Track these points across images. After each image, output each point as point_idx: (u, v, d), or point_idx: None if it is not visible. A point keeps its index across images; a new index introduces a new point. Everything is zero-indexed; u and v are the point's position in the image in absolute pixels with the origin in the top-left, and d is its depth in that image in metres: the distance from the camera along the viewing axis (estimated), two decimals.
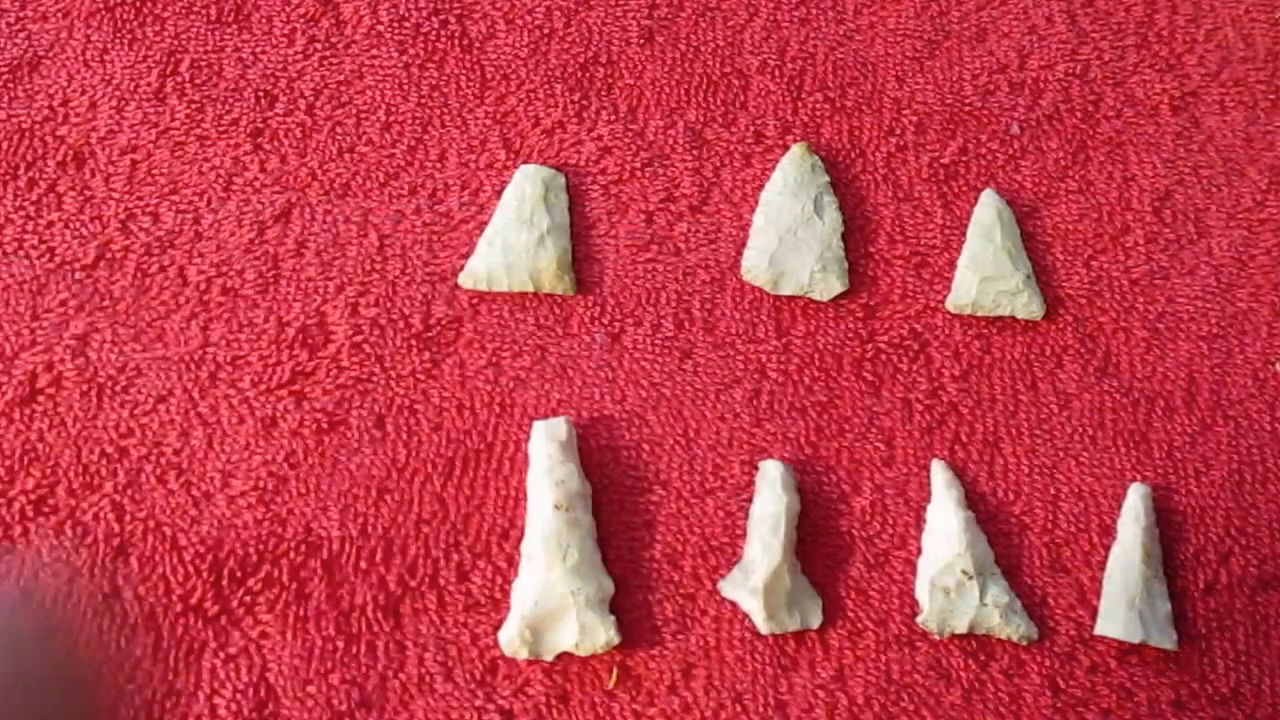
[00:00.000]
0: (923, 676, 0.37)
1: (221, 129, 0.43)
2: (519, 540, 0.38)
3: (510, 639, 0.36)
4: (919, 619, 0.37)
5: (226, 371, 0.40)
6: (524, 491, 0.38)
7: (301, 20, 0.45)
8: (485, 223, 0.42)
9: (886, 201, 0.43)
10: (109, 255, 0.41)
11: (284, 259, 0.41)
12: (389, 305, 0.41)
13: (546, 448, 0.38)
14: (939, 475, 0.39)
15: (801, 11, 0.46)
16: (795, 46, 0.46)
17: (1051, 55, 0.46)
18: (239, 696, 0.36)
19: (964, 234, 0.42)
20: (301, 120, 0.44)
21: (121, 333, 0.40)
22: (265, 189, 0.42)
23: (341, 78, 0.44)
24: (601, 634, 0.36)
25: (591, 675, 0.37)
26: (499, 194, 0.42)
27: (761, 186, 0.43)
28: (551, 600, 0.36)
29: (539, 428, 0.38)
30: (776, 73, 0.45)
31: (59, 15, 0.45)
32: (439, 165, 0.43)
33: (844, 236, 0.42)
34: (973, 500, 0.39)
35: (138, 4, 0.45)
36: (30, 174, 0.42)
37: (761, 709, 0.36)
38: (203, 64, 0.44)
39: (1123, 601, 0.37)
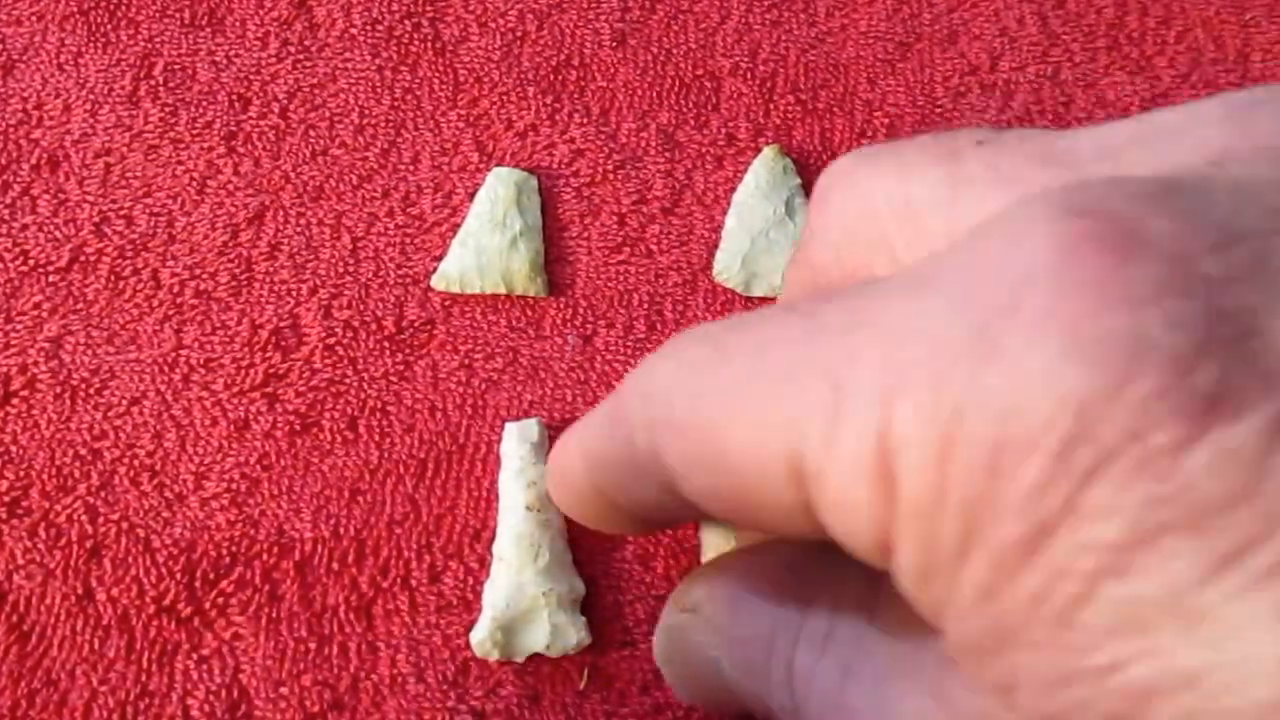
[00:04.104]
0: None
1: (195, 132, 0.44)
2: (490, 542, 0.38)
3: (481, 640, 0.36)
4: None
5: (200, 374, 0.40)
6: (496, 493, 0.38)
7: (275, 24, 0.46)
8: (458, 225, 0.42)
9: None
10: (83, 258, 0.41)
11: (257, 261, 0.41)
12: (362, 307, 0.41)
13: (519, 449, 0.38)
14: None
15: (774, 14, 0.46)
16: (767, 49, 0.46)
17: (1023, 57, 0.46)
18: (212, 698, 0.36)
19: None
20: (275, 123, 0.44)
21: (95, 335, 0.40)
22: (239, 192, 0.43)
23: (315, 81, 0.45)
24: (573, 635, 0.36)
25: (563, 676, 0.37)
26: (471, 196, 0.42)
27: (733, 189, 0.43)
28: (523, 601, 0.36)
29: (511, 429, 0.38)
30: (748, 75, 0.45)
31: (33, 19, 0.45)
32: (412, 168, 0.43)
33: None
34: None
35: (111, 8, 0.46)
36: (4, 177, 0.42)
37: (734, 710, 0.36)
38: (176, 67, 0.45)
39: None
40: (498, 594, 0.37)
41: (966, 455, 0.17)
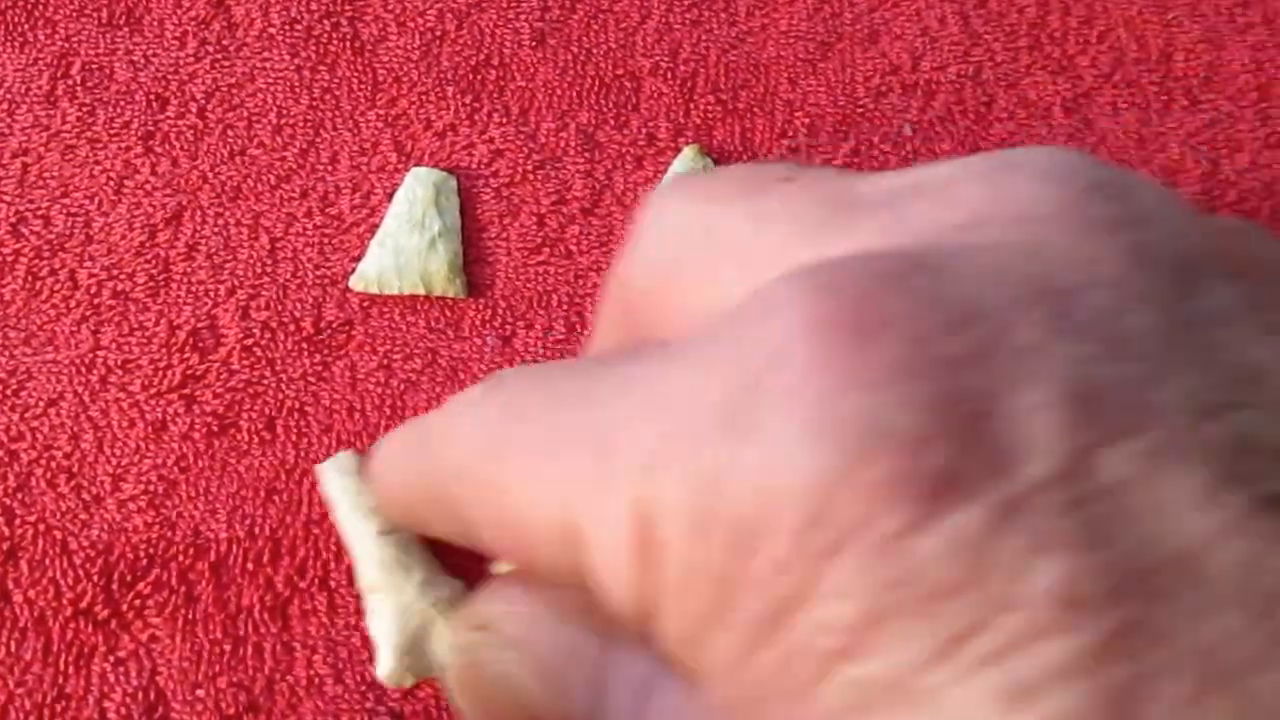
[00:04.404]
0: None
1: (113, 132, 0.43)
2: None
3: (392, 672, 0.36)
4: None
5: (117, 375, 0.40)
6: None
7: (193, 23, 0.45)
8: (377, 225, 0.42)
9: None
10: (0, 259, 0.41)
11: (175, 262, 0.41)
12: (280, 308, 0.41)
13: (345, 484, 0.37)
14: None
15: (694, 14, 0.47)
16: (687, 49, 0.46)
17: (944, 57, 0.46)
18: (129, 700, 0.36)
19: None
20: (193, 123, 0.44)
21: (12, 336, 0.40)
22: (156, 192, 0.42)
23: (233, 80, 0.45)
24: None
25: None
26: (390, 197, 0.42)
27: (654, 188, 0.43)
28: (414, 619, 0.36)
29: (326, 469, 0.38)
30: (669, 75, 0.45)
31: None
32: (330, 168, 0.43)
33: None
34: None
35: (29, 7, 0.45)
36: None
37: None
38: (94, 67, 0.45)
39: None
40: (386, 625, 0.36)
41: (717, 531, 0.17)
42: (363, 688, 0.36)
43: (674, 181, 0.25)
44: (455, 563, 0.38)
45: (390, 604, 0.37)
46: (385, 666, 0.36)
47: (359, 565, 0.37)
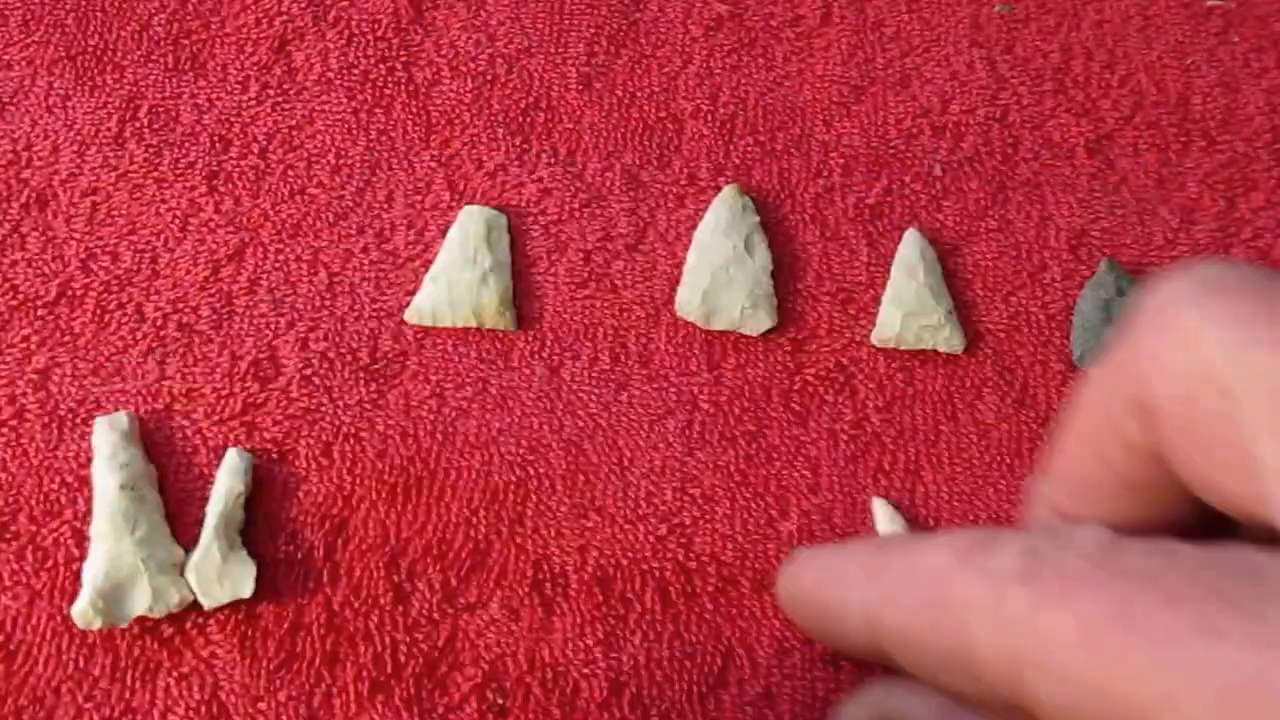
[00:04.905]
0: (847, 694, 0.38)
1: (178, 172, 0.45)
2: (471, 562, 0.39)
3: (83, 610, 0.37)
4: None
5: (181, 403, 0.41)
6: (464, 512, 0.40)
7: (255, 68, 0.47)
8: (430, 261, 0.44)
9: (814, 240, 0.45)
10: (70, 293, 0.43)
11: (237, 296, 0.43)
12: (337, 340, 0.42)
13: (109, 437, 0.40)
14: (880, 513, 0.41)
15: (733, 59, 0.48)
16: (727, 92, 0.48)
17: (972, 100, 0.48)
18: (192, 714, 0.37)
19: (888, 271, 0.44)
20: (255, 163, 0.45)
21: (81, 366, 0.42)
22: (220, 229, 0.44)
23: (293, 123, 0.46)
24: (174, 595, 0.38)
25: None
26: (444, 233, 0.44)
27: (694, 226, 0.44)
28: (122, 570, 0.38)
29: (101, 422, 0.40)
30: (709, 118, 0.47)
31: (23, 64, 0.47)
32: (386, 206, 0.45)
33: (773, 274, 0.44)
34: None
35: (98, 53, 0.47)
36: None
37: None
38: (160, 110, 0.46)
39: None
40: (95, 567, 0.38)
41: None
42: (418, 701, 0.38)
43: (1190, 282, 0.21)
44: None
45: (106, 551, 0.38)
46: (78, 606, 0.38)
47: (96, 512, 0.39)
